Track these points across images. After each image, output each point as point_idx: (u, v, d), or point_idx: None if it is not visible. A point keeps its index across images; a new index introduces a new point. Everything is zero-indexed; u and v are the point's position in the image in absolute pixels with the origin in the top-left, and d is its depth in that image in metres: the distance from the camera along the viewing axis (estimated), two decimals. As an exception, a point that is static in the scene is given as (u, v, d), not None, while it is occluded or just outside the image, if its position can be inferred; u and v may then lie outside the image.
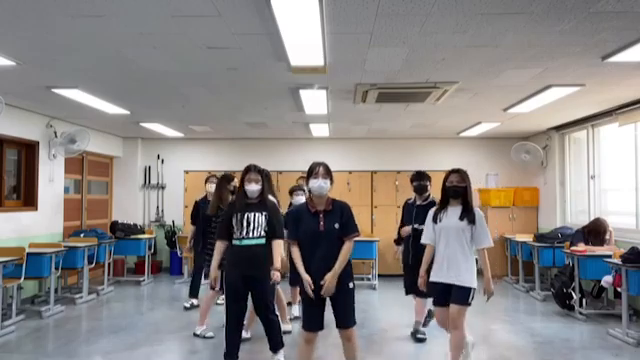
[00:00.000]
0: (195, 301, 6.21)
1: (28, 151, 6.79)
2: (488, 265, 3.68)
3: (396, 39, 3.69)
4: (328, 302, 3.39)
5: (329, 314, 3.38)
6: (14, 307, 5.53)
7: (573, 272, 5.83)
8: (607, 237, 6.04)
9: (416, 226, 4.71)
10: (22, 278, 5.50)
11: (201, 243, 5.71)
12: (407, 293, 4.99)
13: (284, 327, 5.04)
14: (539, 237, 7.20)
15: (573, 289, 5.82)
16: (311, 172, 3.42)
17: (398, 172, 8.76)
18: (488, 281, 3.69)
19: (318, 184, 3.36)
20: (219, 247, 3.89)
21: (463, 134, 8.55)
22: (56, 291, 6.46)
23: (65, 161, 7.41)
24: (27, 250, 5.71)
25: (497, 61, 4.26)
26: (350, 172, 8.95)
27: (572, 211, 7.86)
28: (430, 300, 4.00)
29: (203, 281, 6.19)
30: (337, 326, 3.42)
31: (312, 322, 3.36)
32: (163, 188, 9.28)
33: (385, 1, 3.01)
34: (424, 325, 4.99)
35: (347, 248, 3.34)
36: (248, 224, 3.80)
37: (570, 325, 5.57)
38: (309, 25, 3.27)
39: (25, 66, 4.40)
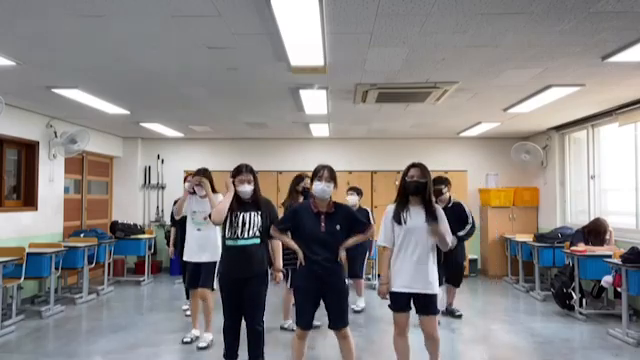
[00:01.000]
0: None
1: (28, 151, 6.79)
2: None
3: (396, 39, 3.69)
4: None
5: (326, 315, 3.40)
6: (14, 307, 5.53)
7: (573, 272, 5.83)
8: (607, 237, 6.04)
9: None
10: (22, 278, 5.50)
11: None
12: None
13: (287, 324, 5.22)
14: (539, 237, 7.20)
15: (573, 289, 5.82)
16: (316, 174, 3.44)
17: (398, 172, 8.72)
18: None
19: (321, 187, 3.40)
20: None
21: (463, 134, 8.55)
22: (56, 291, 6.46)
23: (65, 161, 7.41)
24: (27, 250, 5.71)
25: (497, 61, 4.26)
26: (350, 172, 8.94)
27: (572, 211, 7.86)
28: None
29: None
30: (331, 326, 3.44)
31: (305, 319, 3.43)
32: (163, 188, 9.28)
33: (385, 1, 3.01)
34: None
35: (361, 235, 3.51)
36: (244, 224, 3.70)
37: (570, 325, 5.57)
38: (309, 25, 3.27)
39: (25, 66, 4.40)
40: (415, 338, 3.64)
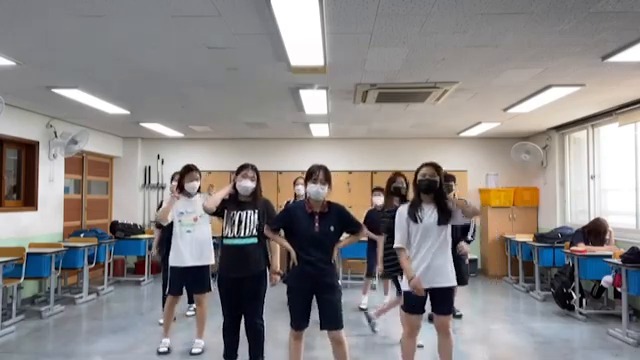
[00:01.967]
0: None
1: (28, 151, 6.79)
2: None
3: (396, 39, 3.69)
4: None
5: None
6: (14, 307, 5.53)
7: (573, 272, 5.82)
8: (607, 237, 6.04)
9: None
10: (22, 278, 5.50)
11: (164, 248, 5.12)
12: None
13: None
14: (539, 237, 7.20)
15: (573, 289, 5.82)
16: (310, 175, 3.39)
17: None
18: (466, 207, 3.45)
19: (315, 190, 3.35)
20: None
21: (463, 134, 8.55)
22: (56, 291, 6.46)
23: (65, 161, 7.41)
24: (27, 250, 5.71)
25: (497, 61, 4.26)
26: (350, 172, 8.94)
27: (572, 211, 7.86)
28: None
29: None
30: (324, 328, 3.34)
31: (300, 320, 3.39)
32: (163, 188, 9.27)
33: (385, 1, 3.01)
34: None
35: (354, 237, 3.55)
36: (240, 222, 3.69)
37: (570, 325, 5.57)
38: (309, 25, 3.27)
39: (25, 66, 4.40)
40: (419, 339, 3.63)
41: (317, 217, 3.36)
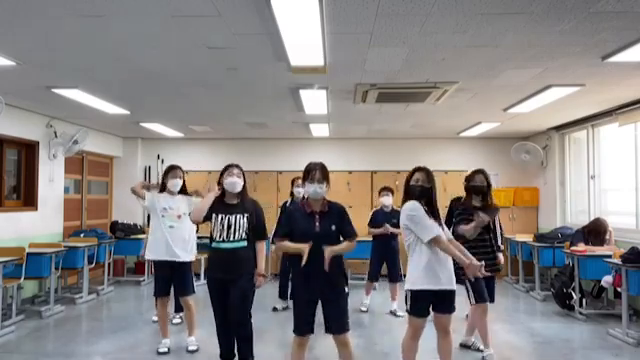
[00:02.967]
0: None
1: (28, 151, 6.79)
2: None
3: (396, 39, 3.69)
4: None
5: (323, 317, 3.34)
6: (14, 307, 5.54)
7: (573, 272, 5.83)
8: (607, 237, 6.04)
9: None
10: (22, 278, 5.50)
11: None
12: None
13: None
14: (539, 237, 7.20)
15: (573, 289, 5.82)
16: (307, 174, 3.32)
17: (398, 172, 8.75)
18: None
19: (313, 189, 3.28)
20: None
21: (463, 134, 8.55)
22: (56, 291, 6.46)
23: (65, 161, 7.41)
24: (27, 250, 5.72)
25: (497, 61, 4.26)
26: (350, 172, 8.94)
27: (572, 211, 7.86)
28: None
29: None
30: (330, 331, 3.26)
31: (304, 326, 3.26)
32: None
33: (385, 1, 3.01)
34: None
35: (349, 243, 3.31)
36: (229, 227, 3.64)
37: (570, 325, 5.57)
38: (309, 25, 3.27)
39: (25, 66, 4.40)
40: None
41: (317, 216, 3.27)
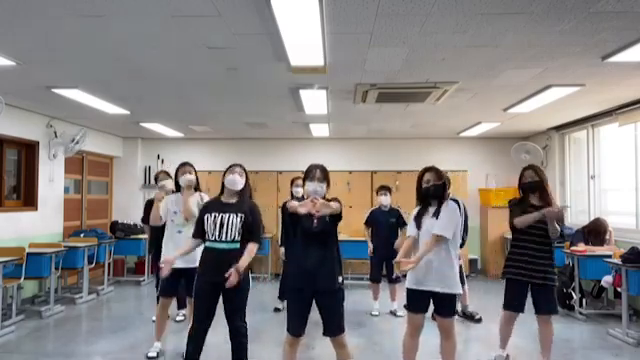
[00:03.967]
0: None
1: (28, 151, 6.79)
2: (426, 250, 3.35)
3: (396, 39, 3.69)
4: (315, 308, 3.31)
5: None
6: (14, 307, 5.54)
7: (573, 272, 5.83)
8: (607, 237, 6.04)
9: None
10: (22, 278, 5.50)
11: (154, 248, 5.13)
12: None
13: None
14: (539, 237, 7.18)
15: (573, 289, 5.82)
16: (308, 174, 3.36)
17: (398, 172, 8.75)
18: (418, 259, 3.32)
19: (313, 188, 3.29)
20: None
21: (463, 134, 8.56)
22: (56, 291, 6.46)
23: (65, 161, 7.41)
24: (27, 250, 5.72)
25: (497, 61, 4.26)
26: (350, 172, 8.94)
27: (572, 211, 7.86)
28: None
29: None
30: (325, 334, 3.27)
31: (296, 324, 3.27)
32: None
33: (385, 1, 3.01)
34: None
35: (335, 204, 3.21)
36: (221, 226, 3.55)
37: (570, 325, 5.57)
38: (309, 25, 3.27)
39: (25, 66, 4.40)
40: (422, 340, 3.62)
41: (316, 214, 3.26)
